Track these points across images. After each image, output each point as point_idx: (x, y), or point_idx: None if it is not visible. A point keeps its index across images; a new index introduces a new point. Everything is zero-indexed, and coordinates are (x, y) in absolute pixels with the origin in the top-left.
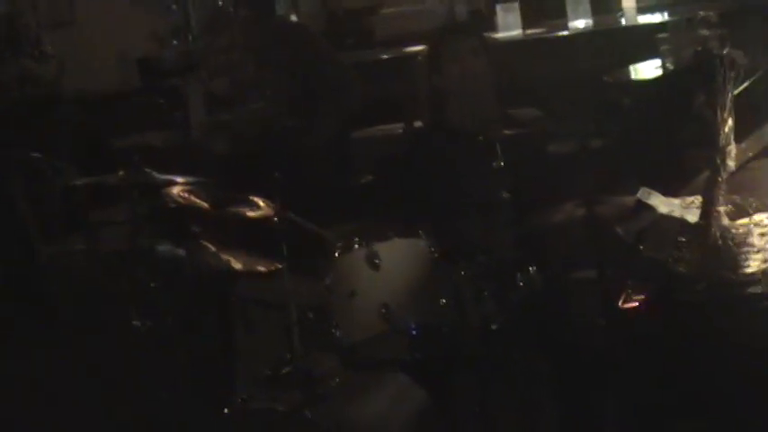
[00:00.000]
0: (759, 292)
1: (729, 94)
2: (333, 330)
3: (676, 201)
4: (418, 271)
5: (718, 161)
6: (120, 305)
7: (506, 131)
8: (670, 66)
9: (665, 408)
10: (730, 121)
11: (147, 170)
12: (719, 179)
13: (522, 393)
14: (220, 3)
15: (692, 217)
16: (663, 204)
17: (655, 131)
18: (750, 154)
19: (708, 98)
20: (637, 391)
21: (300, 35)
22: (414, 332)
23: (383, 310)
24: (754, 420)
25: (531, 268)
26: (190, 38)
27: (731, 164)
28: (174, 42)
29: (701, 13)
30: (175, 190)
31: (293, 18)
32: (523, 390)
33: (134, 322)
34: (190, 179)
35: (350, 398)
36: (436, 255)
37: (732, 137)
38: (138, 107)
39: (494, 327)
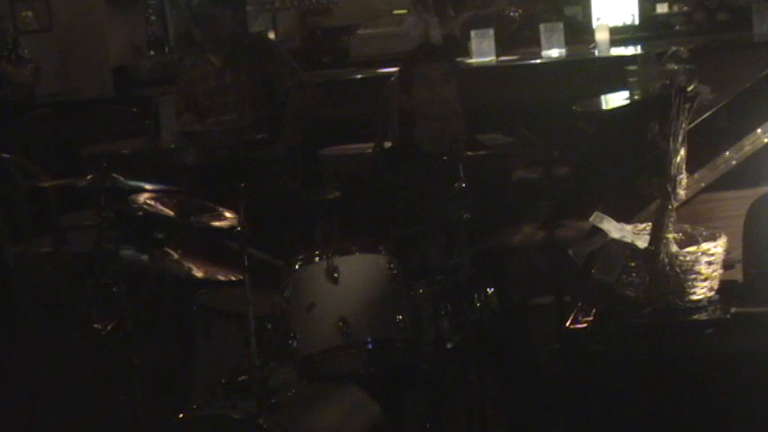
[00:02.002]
0: (704, 318)
1: (683, 125)
2: (290, 341)
3: (628, 227)
4: (377, 287)
5: (669, 189)
6: (81, 307)
7: (469, 153)
8: (637, 97)
9: (611, 426)
10: (682, 152)
11: (115, 175)
12: (670, 207)
13: (474, 412)
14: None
15: (643, 243)
16: (615, 229)
17: (612, 158)
18: (703, 184)
19: (661, 127)
20: (582, 411)
21: (266, 49)
22: (370, 346)
23: (341, 324)
24: None
25: (488, 289)
26: (166, 49)
27: (682, 193)
28: (151, 53)
29: (673, 48)
30: (142, 197)
31: (261, 33)
32: (475, 408)
33: (94, 324)
34: (157, 186)
35: (304, 408)
36: (396, 271)
37: (684, 166)
38: (111, 114)
39: (449, 345)
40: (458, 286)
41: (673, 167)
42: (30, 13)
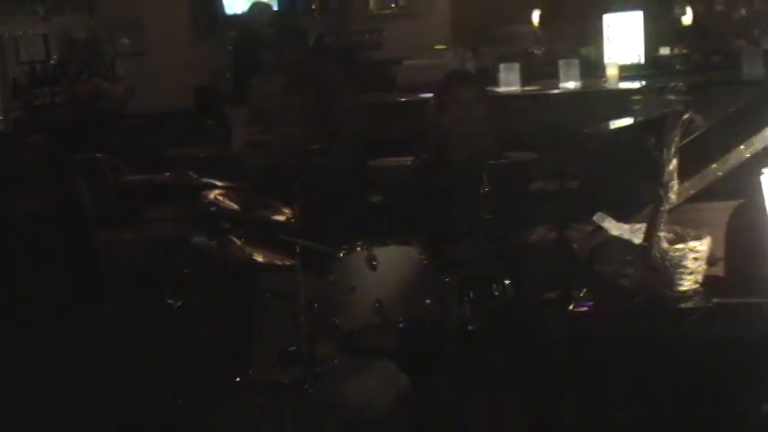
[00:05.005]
0: (690, 306)
1: (675, 139)
2: (334, 319)
3: (626, 226)
4: (409, 274)
5: (662, 194)
6: (158, 285)
7: (491, 161)
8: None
9: (606, 398)
10: (674, 162)
11: (190, 173)
12: (662, 209)
13: (491, 386)
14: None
15: (638, 240)
16: (614, 228)
17: (616, 170)
18: (692, 192)
19: (657, 141)
20: (584, 385)
21: (325, 75)
22: (401, 325)
23: (377, 305)
24: (679, 407)
25: (505, 281)
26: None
27: (673, 197)
28: (228, 75)
29: (672, 83)
30: (212, 193)
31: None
32: (492, 383)
33: (168, 300)
34: (226, 184)
35: (344, 378)
36: (426, 262)
37: (675, 175)
38: (191, 126)
39: (470, 327)
40: (480, 277)
41: (666, 175)
42: (126, 40)
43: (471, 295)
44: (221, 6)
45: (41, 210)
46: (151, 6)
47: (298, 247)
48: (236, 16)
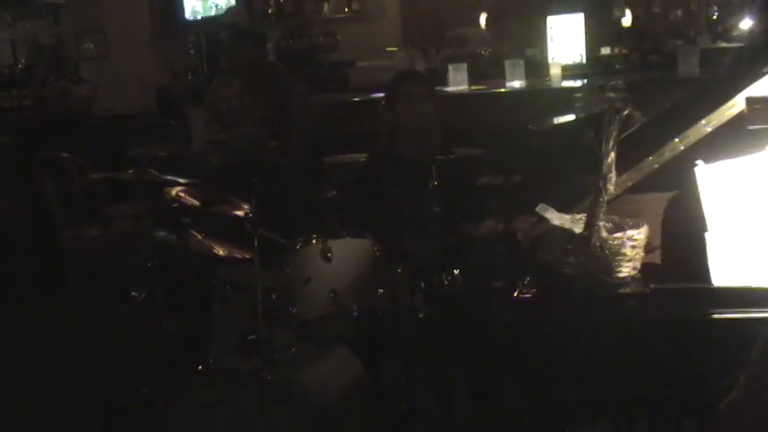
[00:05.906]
0: (628, 292)
1: (613, 132)
2: (290, 309)
3: (567, 216)
4: (363, 265)
5: (601, 185)
6: (122, 279)
7: (439, 156)
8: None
9: (551, 380)
10: (612, 154)
11: (152, 170)
12: (601, 199)
13: (441, 371)
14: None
15: (579, 229)
16: (556, 218)
17: (558, 163)
18: (630, 183)
19: (596, 135)
20: (529, 369)
21: (280, 76)
22: (355, 314)
23: (332, 295)
24: (619, 388)
25: (454, 271)
26: (201, 75)
27: (611, 188)
28: (190, 77)
29: (612, 81)
30: (174, 190)
31: (277, 63)
32: (442, 368)
33: (132, 293)
34: (186, 181)
35: (301, 365)
36: (378, 254)
37: (613, 167)
38: (153, 125)
39: (421, 316)
40: (430, 268)
41: (605, 167)
42: (91, 45)
43: (422, 285)
44: (182, 11)
45: (8, 207)
46: (114, 12)
47: (255, 240)
48: (197, 21)
